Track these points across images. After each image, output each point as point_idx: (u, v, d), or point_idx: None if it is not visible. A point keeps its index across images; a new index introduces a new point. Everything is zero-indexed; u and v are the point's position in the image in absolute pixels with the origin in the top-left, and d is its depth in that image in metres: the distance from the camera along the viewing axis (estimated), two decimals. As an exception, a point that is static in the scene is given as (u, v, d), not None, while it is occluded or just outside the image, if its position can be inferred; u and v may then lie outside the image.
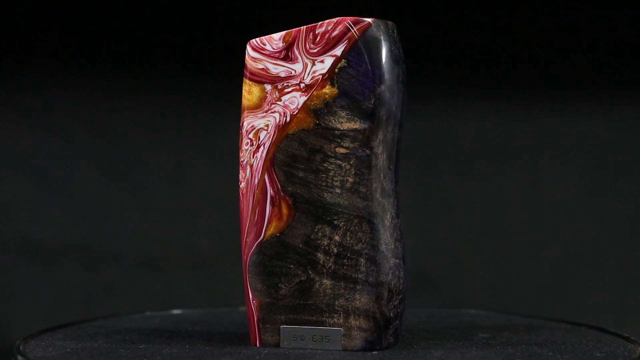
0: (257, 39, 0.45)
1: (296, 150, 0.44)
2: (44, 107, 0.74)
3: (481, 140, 0.78)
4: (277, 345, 0.45)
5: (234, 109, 0.76)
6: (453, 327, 0.52)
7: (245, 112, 0.45)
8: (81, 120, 0.75)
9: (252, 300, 0.45)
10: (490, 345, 0.46)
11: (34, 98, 0.74)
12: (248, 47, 0.45)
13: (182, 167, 0.76)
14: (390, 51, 0.44)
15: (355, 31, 0.44)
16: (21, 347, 0.46)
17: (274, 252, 0.44)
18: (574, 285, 0.78)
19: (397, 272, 0.44)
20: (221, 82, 0.75)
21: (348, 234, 0.44)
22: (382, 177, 0.44)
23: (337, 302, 0.44)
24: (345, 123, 0.44)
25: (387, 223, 0.44)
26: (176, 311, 0.58)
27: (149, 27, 0.75)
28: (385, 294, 0.44)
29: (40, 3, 0.73)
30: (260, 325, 0.45)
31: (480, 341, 0.47)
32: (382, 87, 0.43)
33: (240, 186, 0.45)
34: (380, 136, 0.44)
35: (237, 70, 0.76)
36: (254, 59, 0.45)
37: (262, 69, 0.45)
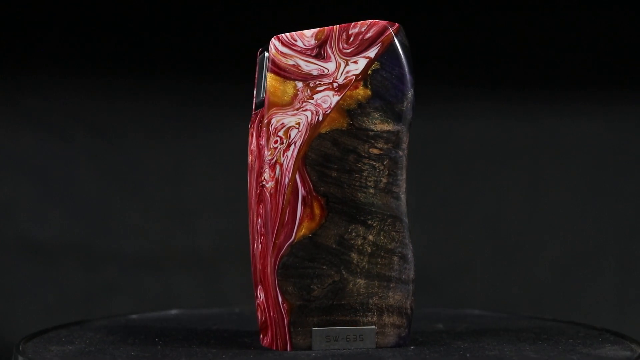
0: (287, 34, 0.44)
1: (329, 149, 0.44)
2: (44, 107, 0.74)
3: (481, 140, 0.78)
4: (309, 348, 0.44)
5: (234, 109, 0.77)
6: (454, 327, 0.52)
7: (274, 108, 0.44)
8: (81, 120, 0.75)
9: (283, 304, 0.44)
10: (490, 345, 0.46)
11: (34, 98, 0.74)
12: (275, 42, 0.44)
13: (182, 167, 0.76)
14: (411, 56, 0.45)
15: (392, 33, 0.45)
16: (21, 347, 0.46)
17: (306, 254, 0.44)
18: (574, 285, 0.78)
19: (415, 269, 0.46)
20: (221, 82, 0.75)
21: (382, 233, 0.45)
22: (405, 178, 0.45)
23: (371, 301, 0.45)
24: (378, 124, 0.44)
25: (408, 221, 0.45)
26: (176, 311, 0.58)
27: (149, 28, 0.75)
28: (413, 290, 0.45)
29: (40, 3, 0.73)
30: (292, 329, 0.44)
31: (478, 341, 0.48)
32: (412, 91, 0.45)
33: (267, 186, 0.44)
34: (407, 138, 0.45)
35: (237, 70, 0.76)
36: (284, 55, 0.44)
37: (293, 65, 0.44)
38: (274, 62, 0.44)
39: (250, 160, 0.46)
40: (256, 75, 0.46)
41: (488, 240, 0.78)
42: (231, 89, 0.76)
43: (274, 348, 0.44)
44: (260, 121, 0.44)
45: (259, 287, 0.45)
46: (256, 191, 0.44)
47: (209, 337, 0.49)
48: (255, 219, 0.45)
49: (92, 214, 0.75)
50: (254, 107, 0.46)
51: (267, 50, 0.45)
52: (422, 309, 0.59)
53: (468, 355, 0.44)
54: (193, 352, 0.44)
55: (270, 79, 0.44)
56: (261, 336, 0.45)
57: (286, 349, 0.44)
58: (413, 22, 0.76)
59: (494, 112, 0.78)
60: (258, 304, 0.45)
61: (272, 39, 0.44)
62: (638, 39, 0.78)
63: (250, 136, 0.46)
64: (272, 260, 0.44)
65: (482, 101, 0.78)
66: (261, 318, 0.45)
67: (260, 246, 0.44)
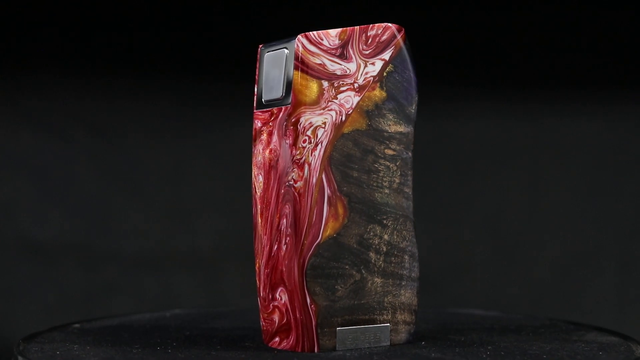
0: (314, 32, 0.44)
1: (350, 150, 0.44)
2: (44, 107, 0.74)
3: (481, 140, 0.78)
4: (334, 348, 0.44)
5: (234, 109, 0.77)
6: (454, 327, 0.52)
7: (302, 107, 0.43)
8: (81, 120, 0.75)
9: (311, 305, 0.43)
10: (490, 345, 0.46)
11: (34, 98, 0.74)
12: (303, 40, 0.44)
13: (182, 167, 0.76)
14: None
15: (402, 36, 0.45)
16: (21, 347, 0.46)
17: (331, 254, 0.44)
18: (574, 285, 0.78)
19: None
20: (221, 82, 0.75)
21: (395, 232, 0.45)
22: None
23: (386, 299, 0.45)
24: (392, 126, 0.45)
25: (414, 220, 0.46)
26: (176, 311, 0.58)
27: (149, 28, 0.75)
28: (419, 288, 0.46)
29: (40, 3, 0.73)
30: (319, 330, 0.44)
31: (477, 341, 0.48)
32: (418, 94, 0.46)
33: (296, 185, 0.43)
34: (413, 139, 0.46)
35: (237, 70, 0.76)
36: (312, 53, 0.44)
37: (320, 64, 0.44)
38: (302, 61, 0.44)
39: (264, 159, 0.45)
40: (257, 73, 0.46)
41: (488, 240, 0.78)
42: (231, 89, 0.76)
43: (299, 350, 0.44)
44: (285, 119, 0.44)
45: (280, 289, 0.44)
46: (279, 191, 0.44)
47: (214, 337, 0.49)
48: (277, 219, 0.44)
49: (92, 214, 0.75)
50: (257, 105, 0.46)
51: (284, 47, 0.44)
52: (423, 309, 0.59)
53: (489, 348, 0.44)
54: (202, 355, 0.44)
55: (298, 77, 0.44)
56: (277, 339, 0.45)
57: (313, 351, 0.44)
58: (413, 22, 0.76)
59: (494, 112, 0.78)
60: (276, 306, 0.44)
61: (299, 36, 0.43)
62: (638, 39, 0.78)
63: (267, 135, 0.45)
64: (301, 261, 0.43)
65: (482, 101, 0.78)
66: (280, 320, 0.44)
67: (285, 247, 0.44)
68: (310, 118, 0.43)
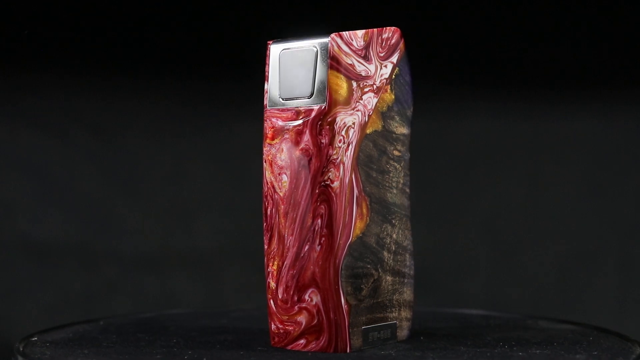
0: (346, 32, 0.44)
1: (371, 150, 0.45)
2: (43, 107, 0.74)
3: (481, 140, 0.78)
4: (360, 347, 0.44)
5: (234, 109, 0.77)
6: (453, 327, 0.52)
7: (338, 107, 0.43)
8: (81, 120, 0.75)
9: (344, 305, 0.43)
10: (490, 345, 0.46)
11: (33, 98, 0.74)
12: (338, 39, 0.44)
13: (182, 167, 0.76)
14: None
15: (402, 41, 0.46)
16: (21, 347, 0.46)
17: (358, 253, 0.44)
18: (574, 285, 0.78)
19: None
20: (221, 82, 0.75)
21: (400, 231, 0.46)
22: None
23: (394, 297, 0.46)
24: (398, 127, 0.46)
25: None
26: (176, 311, 0.58)
27: (149, 28, 0.75)
28: (413, 284, 0.47)
29: (41, 3, 0.73)
30: (350, 330, 0.44)
31: (477, 341, 0.48)
32: (414, 97, 0.47)
33: (333, 185, 0.43)
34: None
35: (237, 70, 0.76)
36: (345, 53, 0.44)
37: (350, 65, 0.44)
38: (337, 60, 0.43)
39: (291, 158, 0.44)
40: (267, 70, 0.45)
41: (488, 240, 0.78)
42: (231, 88, 0.76)
43: (330, 351, 0.44)
44: (320, 119, 0.43)
45: (310, 290, 0.44)
46: (312, 191, 0.44)
47: (219, 337, 0.49)
48: (309, 219, 0.44)
49: (92, 214, 0.75)
50: (270, 103, 0.45)
51: (311, 46, 0.44)
52: (422, 309, 0.59)
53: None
54: (211, 355, 0.44)
55: (333, 77, 0.43)
56: (303, 341, 0.44)
57: (345, 351, 0.44)
58: (413, 22, 0.76)
59: (494, 112, 0.78)
60: (303, 307, 0.44)
61: (333, 35, 0.43)
62: (638, 39, 0.78)
63: (296, 134, 0.44)
64: (336, 261, 0.43)
65: (482, 101, 0.78)
66: (309, 322, 0.44)
67: (319, 247, 0.43)
68: (344, 118, 0.43)
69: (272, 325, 0.45)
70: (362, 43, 0.44)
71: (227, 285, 0.76)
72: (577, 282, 0.78)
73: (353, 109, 0.44)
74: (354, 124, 0.44)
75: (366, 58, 0.44)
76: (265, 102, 0.45)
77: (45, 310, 0.74)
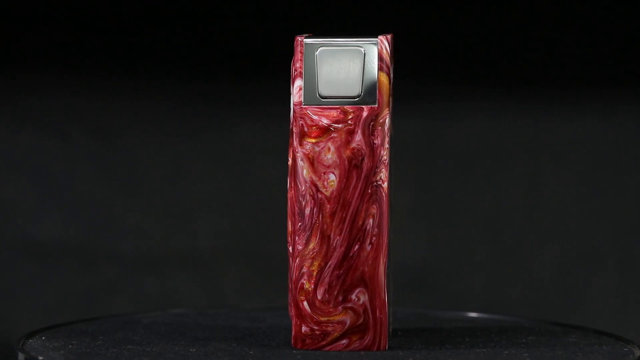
0: (387, 35, 0.45)
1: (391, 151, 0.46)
2: (43, 107, 0.74)
3: (481, 140, 0.78)
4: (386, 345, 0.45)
5: (234, 109, 0.77)
6: (452, 329, 0.52)
7: (386, 109, 0.45)
8: (81, 120, 0.75)
9: (387, 304, 0.45)
10: (489, 346, 0.46)
11: (33, 98, 0.74)
12: (385, 42, 0.45)
13: (182, 167, 0.76)
14: None
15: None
16: (21, 347, 0.46)
17: (389, 252, 0.46)
18: (574, 285, 0.78)
19: None
20: (221, 82, 0.75)
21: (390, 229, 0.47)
22: None
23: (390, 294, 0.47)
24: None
25: None
26: (176, 311, 0.58)
27: (149, 28, 0.75)
28: None
29: (41, 3, 0.73)
30: (389, 328, 0.46)
31: (474, 342, 0.48)
32: None
33: (384, 186, 0.44)
34: None
35: (237, 70, 0.76)
36: (389, 56, 0.45)
37: (389, 67, 0.45)
38: (386, 62, 0.45)
39: (340, 157, 0.45)
40: (299, 66, 0.45)
41: (488, 240, 0.78)
42: (231, 89, 0.75)
43: (374, 349, 0.45)
44: (372, 119, 0.44)
45: (358, 289, 0.44)
46: (364, 190, 0.44)
47: (227, 334, 0.49)
48: (360, 219, 0.44)
49: (92, 214, 0.75)
50: (307, 100, 0.45)
51: (355, 45, 0.45)
52: (422, 309, 0.59)
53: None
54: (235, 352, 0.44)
55: (382, 78, 0.45)
56: (345, 341, 0.45)
57: (385, 349, 0.45)
58: (413, 22, 0.76)
59: (494, 112, 0.78)
60: (349, 307, 0.44)
61: (381, 37, 0.45)
62: (638, 39, 0.78)
63: (346, 133, 0.45)
64: (384, 260, 0.45)
65: (482, 101, 0.78)
66: (354, 322, 0.44)
67: (370, 247, 0.44)
68: (388, 120, 0.45)
69: (303, 327, 0.45)
70: (390, 48, 0.45)
71: (227, 285, 0.76)
72: (577, 282, 0.78)
73: (389, 111, 0.45)
74: (391, 125, 0.45)
75: (391, 62, 0.45)
76: (298, 99, 0.45)
77: (45, 310, 0.74)
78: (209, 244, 0.76)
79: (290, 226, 0.45)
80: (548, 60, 0.78)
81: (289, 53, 0.47)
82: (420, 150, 0.77)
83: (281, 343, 0.46)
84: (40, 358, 0.43)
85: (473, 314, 0.58)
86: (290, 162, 0.45)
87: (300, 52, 0.45)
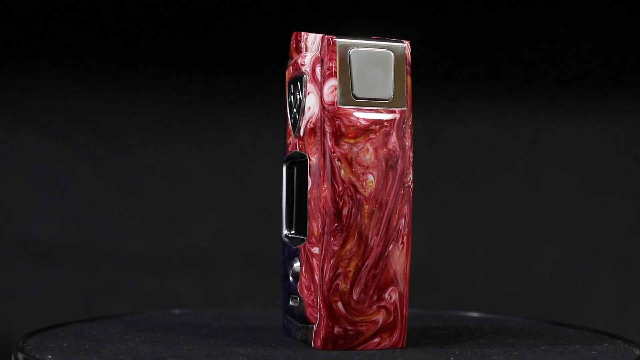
0: (407, 41, 0.46)
1: None
2: (44, 107, 0.74)
3: (481, 140, 0.78)
4: None
5: (234, 109, 0.77)
6: (451, 329, 0.52)
7: (412, 112, 0.46)
8: (81, 120, 0.75)
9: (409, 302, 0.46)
10: (489, 346, 0.47)
11: (33, 98, 0.74)
12: (409, 47, 0.46)
13: (182, 167, 0.76)
14: None
15: None
16: (21, 347, 0.46)
17: None
18: (574, 285, 0.78)
19: None
20: (221, 82, 0.75)
21: None
22: None
23: None
24: None
25: None
26: (176, 311, 0.58)
27: (149, 28, 0.75)
28: None
29: (40, 3, 0.73)
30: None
31: (476, 342, 0.48)
32: None
33: (412, 186, 0.45)
34: None
35: (237, 70, 0.76)
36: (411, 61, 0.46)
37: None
38: (411, 66, 0.45)
39: (377, 158, 0.45)
40: (333, 65, 0.44)
41: (488, 240, 0.78)
42: (231, 89, 0.76)
43: (400, 346, 0.45)
44: (404, 122, 0.45)
45: (391, 288, 0.45)
46: (399, 191, 0.45)
47: (213, 335, 0.49)
48: (395, 219, 0.45)
49: (92, 214, 0.75)
50: (343, 101, 0.44)
51: (384, 49, 0.45)
52: (422, 310, 0.59)
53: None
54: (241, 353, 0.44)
55: (409, 82, 0.45)
56: (377, 339, 0.45)
57: (404, 345, 0.45)
58: (413, 22, 0.76)
59: (494, 112, 0.78)
60: (383, 306, 0.45)
61: (407, 43, 0.45)
62: (638, 39, 0.78)
63: (383, 135, 0.45)
64: (410, 259, 0.46)
65: (482, 101, 0.78)
66: (386, 320, 0.45)
67: (402, 246, 0.45)
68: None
69: (336, 328, 0.44)
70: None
71: (227, 285, 0.76)
72: (577, 282, 0.78)
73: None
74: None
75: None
76: (332, 99, 0.44)
77: (45, 310, 0.74)
78: (209, 244, 0.76)
79: (319, 227, 0.44)
80: (548, 60, 0.78)
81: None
82: (420, 150, 0.77)
83: (281, 343, 0.46)
84: (40, 358, 0.43)
85: (473, 314, 0.58)
86: (314, 162, 0.44)
87: (333, 51, 0.44)
